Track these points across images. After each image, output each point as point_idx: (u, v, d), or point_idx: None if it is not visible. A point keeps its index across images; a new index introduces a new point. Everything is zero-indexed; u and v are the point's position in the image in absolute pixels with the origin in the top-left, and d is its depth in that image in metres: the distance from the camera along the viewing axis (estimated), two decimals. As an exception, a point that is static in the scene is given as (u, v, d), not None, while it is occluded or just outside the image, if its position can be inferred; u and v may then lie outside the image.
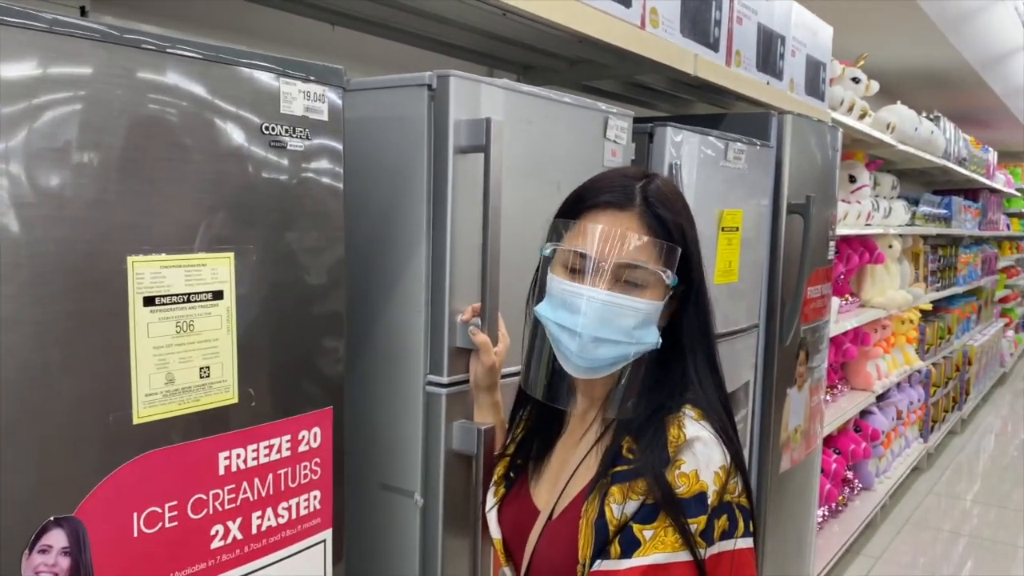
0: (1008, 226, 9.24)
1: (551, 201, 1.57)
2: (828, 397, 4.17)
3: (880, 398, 4.84)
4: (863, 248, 4.39)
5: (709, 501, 0.95)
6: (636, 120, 1.84)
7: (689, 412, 1.01)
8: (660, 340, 1.03)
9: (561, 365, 1.05)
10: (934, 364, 5.76)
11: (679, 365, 1.06)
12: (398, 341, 1.45)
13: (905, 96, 5.14)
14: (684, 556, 0.95)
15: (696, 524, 0.95)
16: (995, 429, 6.88)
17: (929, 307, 5.53)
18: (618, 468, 1.01)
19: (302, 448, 1.18)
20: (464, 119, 1.38)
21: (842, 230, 3.96)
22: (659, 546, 0.95)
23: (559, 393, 1.09)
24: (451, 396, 1.41)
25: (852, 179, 4.40)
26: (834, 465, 3.86)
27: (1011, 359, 8.81)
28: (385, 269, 1.46)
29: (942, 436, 5.93)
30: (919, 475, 5.34)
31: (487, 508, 1.22)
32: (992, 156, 7.86)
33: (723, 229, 2.15)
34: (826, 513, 4.01)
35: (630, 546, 0.96)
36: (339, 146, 1.20)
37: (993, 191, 8.03)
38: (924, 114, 5.45)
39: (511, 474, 1.21)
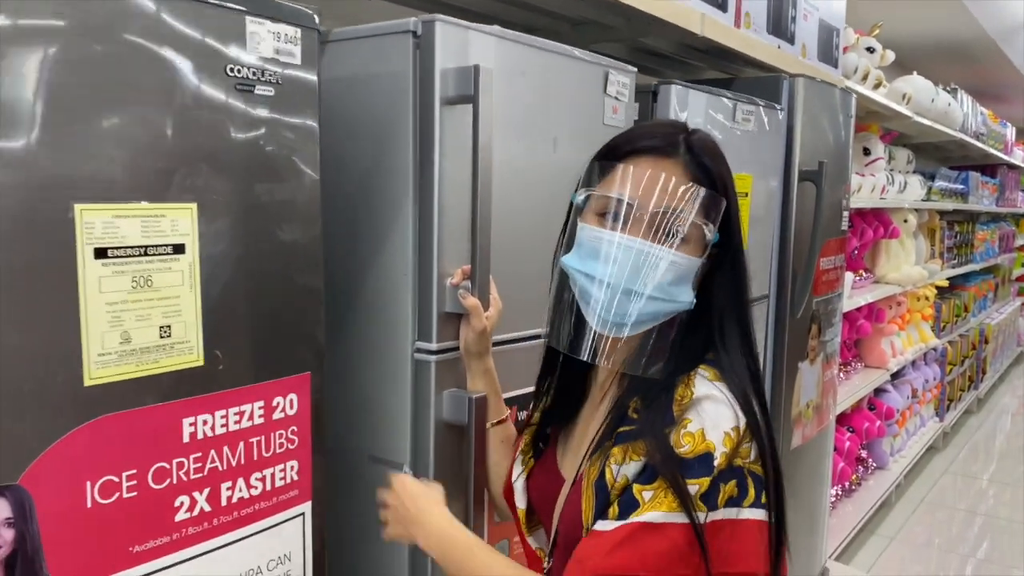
0: (1026, 203, 9.06)
1: (547, 159, 1.51)
2: (841, 374, 4.08)
3: (895, 376, 4.74)
4: (877, 222, 4.27)
5: (715, 463, 0.89)
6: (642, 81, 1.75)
7: (703, 372, 0.96)
8: (694, 300, 0.97)
9: (587, 321, 0.97)
10: (950, 342, 5.64)
11: (704, 328, 0.99)
12: (384, 306, 1.37)
13: (921, 68, 5.00)
14: (679, 518, 0.88)
15: (697, 485, 0.88)
16: (1011, 409, 6.76)
17: (945, 284, 5.42)
18: (622, 428, 0.96)
19: (277, 415, 1.10)
20: (452, 67, 1.29)
21: (856, 203, 3.85)
22: (656, 506, 0.88)
23: (582, 344, 1.01)
24: (440, 364, 1.33)
25: (866, 151, 4.28)
26: (847, 443, 3.77)
27: (1028, 338, 8.66)
28: (370, 230, 1.38)
29: (958, 415, 5.82)
30: (935, 454, 5.25)
31: (513, 478, 1.18)
32: (1011, 131, 7.69)
33: (731, 194, 2.05)
34: (839, 492, 3.92)
35: (628, 507, 0.90)
36: (314, 92, 1.12)
37: (1011, 167, 7.86)
38: (941, 86, 5.31)
39: (540, 444, 1.18)
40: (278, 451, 1.11)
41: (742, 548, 0.90)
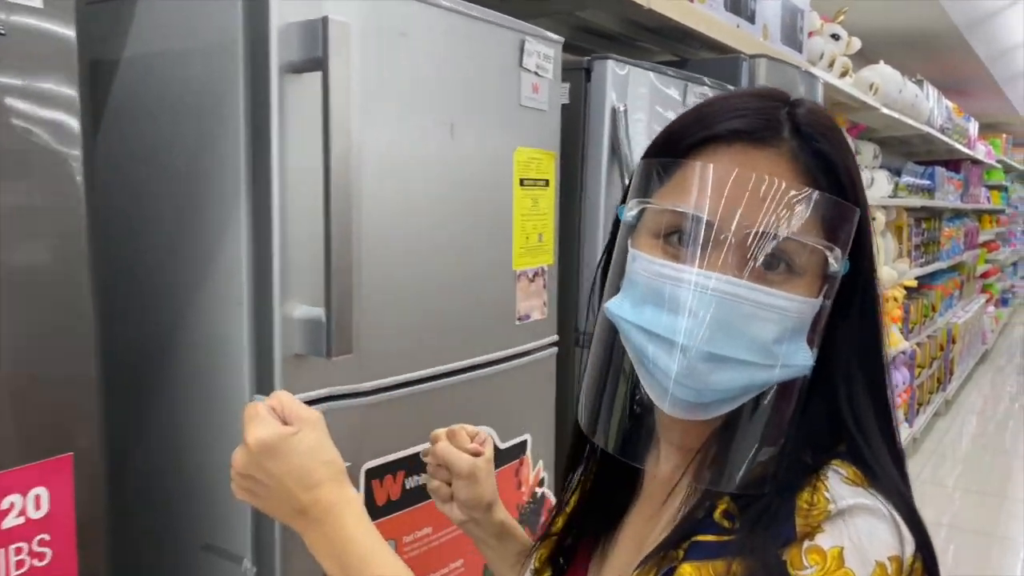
0: (988, 199, 8.94)
1: (441, 148, 1.13)
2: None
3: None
4: (845, 221, 4.00)
5: None
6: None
7: (839, 469, 0.63)
8: (812, 362, 0.65)
9: (648, 396, 0.66)
10: (918, 344, 5.41)
11: (823, 401, 0.66)
12: (213, 348, 1.02)
13: (886, 59, 4.76)
14: None
15: None
16: (977, 408, 6.58)
17: (914, 283, 5.18)
18: (700, 537, 0.63)
19: (9, 523, 0.75)
20: (294, 22, 0.95)
21: (822, 200, 3.58)
22: None
23: (639, 442, 0.70)
24: (288, 423, 0.99)
25: (832, 145, 4.01)
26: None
27: (992, 336, 8.53)
28: (194, 246, 1.03)
29: (927, 419, 5.60)
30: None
31: None
32: (973, 126, 7.52)
33: (683, 192, 1.74)
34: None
35: None
36: (70, 51, 0.77)
37: (975, 162, 7.69)
38: (908, 78, 5.08)
39: (561, 560, 0.82)
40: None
41: None
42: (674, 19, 1.98)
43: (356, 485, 1.07)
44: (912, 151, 6.78)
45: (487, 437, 0.92)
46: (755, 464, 0.64)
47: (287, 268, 0.97)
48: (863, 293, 0.67)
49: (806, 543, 0.60)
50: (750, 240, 0.62)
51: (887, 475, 0.64)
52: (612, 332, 0.68)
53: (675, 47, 2.49)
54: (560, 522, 0.82)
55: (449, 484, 0.90)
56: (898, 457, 0.68)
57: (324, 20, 0.92)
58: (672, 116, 1.64)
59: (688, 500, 0.68)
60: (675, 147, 0.67)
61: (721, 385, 0.62)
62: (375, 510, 1.09)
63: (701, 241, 0.62)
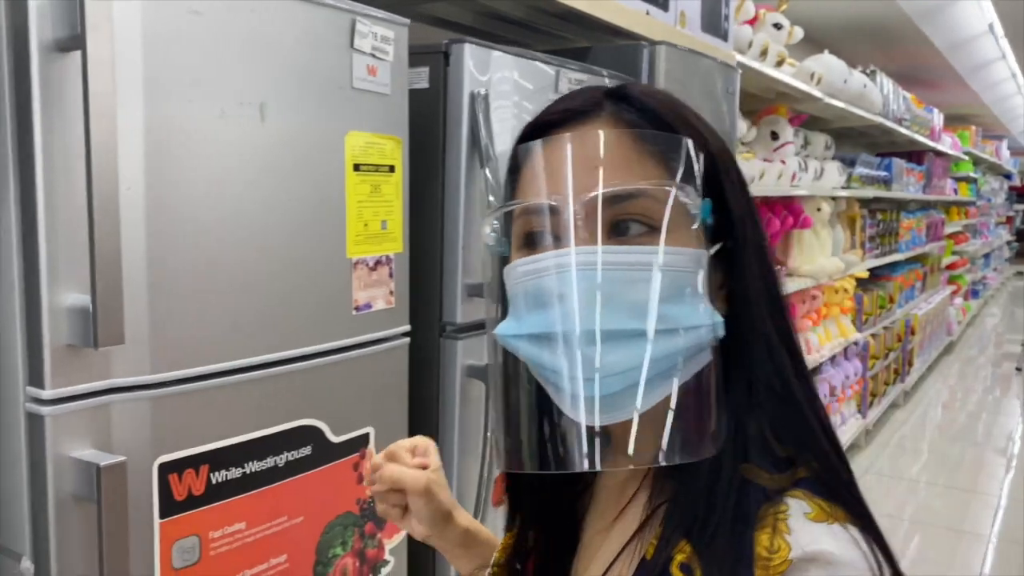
0: (956, 191, 8.95)
1: (248, 133, 1.09)
2: (749, 376, 3.79)
3: (811, 374, 4.47)
4: (787, 212, 3.99)
5: None
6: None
7: (799, 502, 0.57)
8: (720, 321, 0.59)
9: (562, 409, 0.58)
10: (873, 335, 5.41)
11: (743, 372, 0.61)
12: (-13, 338, 0.99)
13: (837, 50, 4.74)
14: None
15: None
16: (943, 399, 6.59)
17: (865, 275, 5.17)
18: None
19: None
20: (53, -2, 0.91)
21: (759, 191, 3.56)
22: None
23: (572, 456, 0.58)
24: (60, 418, 0.95)
25: (775, 136, 4.00)
26: (751, 452, 3.46)
27: (959, 327, 8.56)
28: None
29: (882, 411, 5.60)
30: (856, 453, 5.01)
31: None
32: (938, 117, 7.52)
33: (558, 180, 1.71)
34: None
35: None
36: None
37: (939, 154, 7.70)
38: (860, 68, 5.06)
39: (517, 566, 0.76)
40: None
41: None
42: (566, 3, 1.95)
43: (147, 479, 1.03)
44: (874, 142, 6.78)
45: (427, 445, 0.85)
46: (697, 433, 0.58)
47: (55, 255, 0.94)
48: (749, 242, 0.62)
49: None
50: (590, 206, 0.57)
51: (847, 490, 0.59)
52: (510, 362, 0.62)
53: (587, 34, 2.46)
54: (501, 557, 0.78)
55: (405, 507, 0.82)
56: (829, 432, 0.62)
57: (80, -7, 0.88)
58: (543, 102, 1.61)
59: (642, 524, 0.63)
60: (516, 152, 0.64)
61: (621, 366, 0.55)
62: (172, 505, 1.06)
63: (546, 226, 0.59)
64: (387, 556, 1.40)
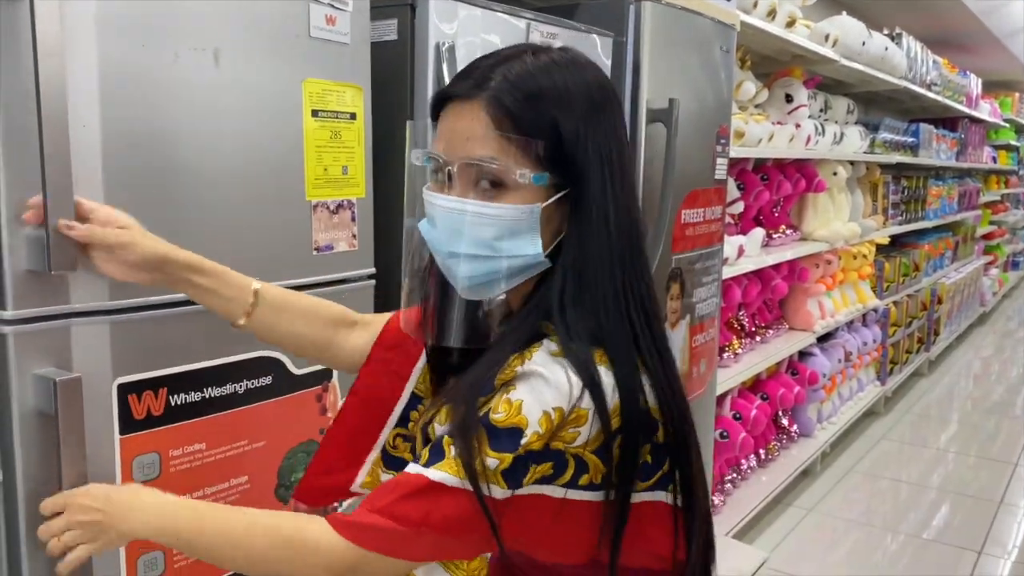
0: (995, 159, 8.74)
1: (202, 77, 1.16)
2: (759, 338, 3.81)
3: (825, 339, 4.46)
4: (799, 175, 3.97)
5: (523, 440, 0.83)
6: None
7: (551, 344, 0.88)
8: (541, 252, 0.90)
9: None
10: (895, 302, 5.36)
11: (545, 287, 0.91)
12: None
13: (863, 13, 4.66)
14: (469, 486, 0.83)
15: (498, 460, 0.83)
16: (975, 370, 6.50)
17: (886, 241, 5.12)
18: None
19: None
20: (2, -54, 0.98)
21: (768, 153, 3.56)
22: (450, 468, 0.84)
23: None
24: (21, 336, 1.04)
25: (789, 98, 3.97)
26: (754, 412, 3.49)
27: (993, 298, 8.40)
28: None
29: (903, 378, 5.56)
30: (874, 420, 4.99)
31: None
32: (975, 83, 7.34)
33: (528, 131, 1.75)
34: (754, 463, 3.67)
35: (434, 457, 0.86)
36: None
37: (974, 121, 7.52)
38: (885, 31, 4.98)
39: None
40: None
41: (566, 528, 0.87)
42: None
43: (108, 399, 1.12)
44: (905, 108, 6.66)
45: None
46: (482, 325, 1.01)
47: (13, 187, 1.02)
48: (583, 200, 0.88)
49: (504, 395, 0.85)
50: (461, 168, 0.88)
51: (577, 349, 0.86)
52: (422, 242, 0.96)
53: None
54: None
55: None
56: (639, 327, 0.89)
57: (23, -59, 0.95)
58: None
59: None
60: (433, 106, 0.94)
61: (467, 273, 0.90)
62: (132, 423, 1.14)
63: (440, 174, 0.91)
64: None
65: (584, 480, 0.85)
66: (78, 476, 1.05)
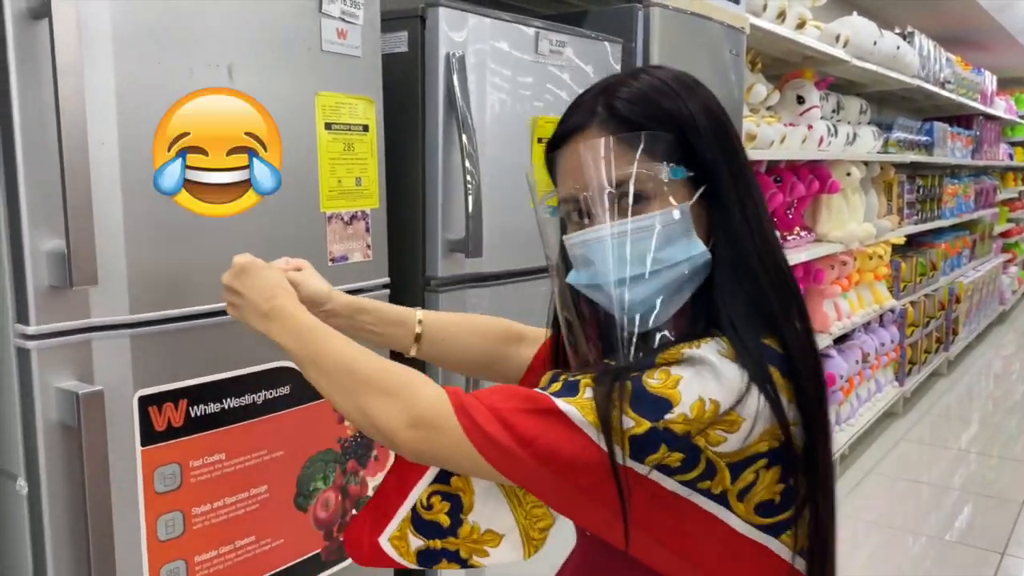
0: (1011, 156, 8.67)
1: (217, 89, 1.19)
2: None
3: (841, 340, 4.44)
4: (812, 176, 3.95)
5: (668, 416, 0.76)
6: None
7: (719, 341, 0.81)
8: (705, 249, 0.85)
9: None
10: (912, 303, 5.33)
11: (706, 292, 0.86)
12: (-20, 281, 1.10)
13: (874, 13, 4.65)
14: (596, 438, 0.77)
15: (633, 422, 0.77)
16: (995, 369, 6.44)
17: (901, 240, 5.09)
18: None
19: None
20: (20, -31, 1.00)
21: (781, 155, 3.56)
22: (583, 408, 0.78)
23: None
24: (45, 351, 1.06)
25: (800, 100, 3.97)
26: (771, 415, 3.48)
27: (1013, 296, 8.32)
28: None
29: (922, 379, 5.52)
30: (893, 420, 4.96)
31: None
32: (990, 80, 7.30)
33: (540, 140, 1.76)
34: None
35: (567, 390, 0.81)
36: None
37: (989, 118, 7.47)
38: (897, 30, 4.96)
39: None
40: None
41: (691, 528, 0.80)
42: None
43: (128, 411, 1.14)
44: (918, 107, 6.63)
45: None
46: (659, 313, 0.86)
47: (35, 205, 1.04)
48: (720, 188, 0.85)
49: (661, 366, 0.79)
50: (599, 195, 0.84)
51: (752, 354, 0.80)
52: (576, 294, 0.92)
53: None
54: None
55: None
56: (786, 333, 0.83)
57: (44, -33, 0.97)
58: (524, 65, 1.67)
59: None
60: (548, 150, 0.91)
61: (640, 296, 0.83)
62: (153, 434, 1.16)
63: (574, 210, 0.88)
64: (370, 492, 1.49)
65: (704, 485, 0.79)
66: (101, 487, 1.07)
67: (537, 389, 0.83)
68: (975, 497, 3.88)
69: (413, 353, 1.12)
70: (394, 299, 1.54)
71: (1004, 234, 8.70)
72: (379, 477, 1.51)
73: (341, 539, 1.42)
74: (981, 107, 6.86)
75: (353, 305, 1.10)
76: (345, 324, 1.08)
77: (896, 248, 5.10)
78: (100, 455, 1.06)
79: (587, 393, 0.79)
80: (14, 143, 1.02)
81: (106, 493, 1.08)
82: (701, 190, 0.85)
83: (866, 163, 4.60)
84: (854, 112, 4.66)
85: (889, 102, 6.07)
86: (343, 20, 1.36)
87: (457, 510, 0.89)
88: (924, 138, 5.67)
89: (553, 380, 0.84)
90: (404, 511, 0.90)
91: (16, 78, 1.01)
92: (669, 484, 0.78)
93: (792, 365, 0.81)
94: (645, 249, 0.82)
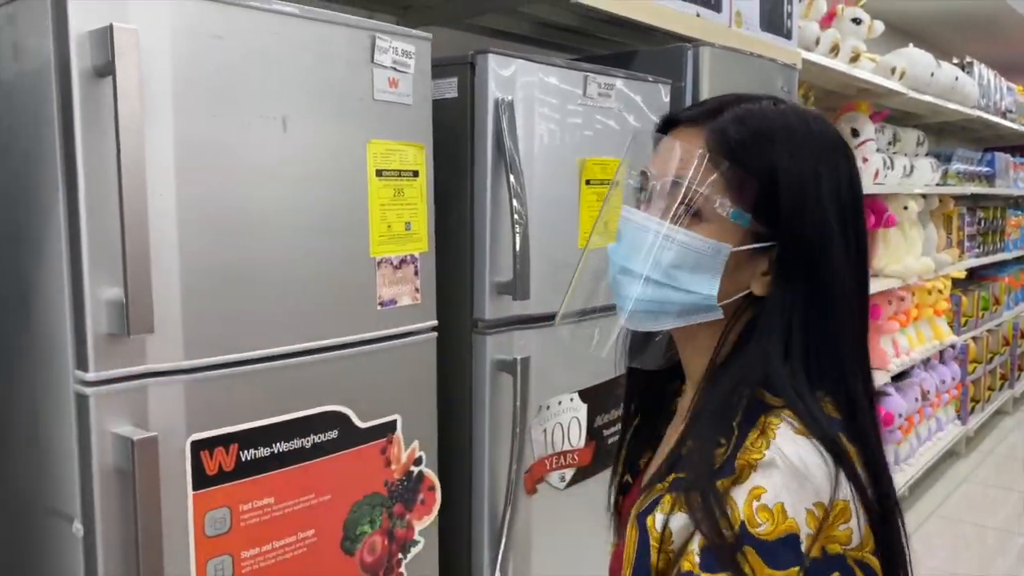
0: (1077, 186, 8.39)
1: (271, 142, 1.21)
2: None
3: (900, 377, 4.32)
4: (868, 210, 3.87)
5: (803, 547, 0.71)
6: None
7: (790, 419, 0.76)
8: (714, 294, 0.81)
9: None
10: (974, 338, 5.17)
11: (759, 346, 0.81)
12: (44, 330, 1.14)
13: (932, 43, 4.58)
14: None
15: None
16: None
17: (962, 275, 4.95)
18: (678, 474, 0.80)
19: None
20: (91, 30, 1.05)
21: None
22: None
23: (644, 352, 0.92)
24: (103, 397, 1.09)
25: (855, 133, 3.91)
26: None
27: (1082, 331, 8.00)
28: (28, 238, 1.15)
29: (986, 417, 5.34)
30: (955, 461, 4.80)
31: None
32: (1053, 108, 7.09)
33: (588, 182, 1.76)
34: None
35: (708, 561, 0.73)
36: None
37: (1055, 146, 7.25)
38: (955, 60, 4.87)
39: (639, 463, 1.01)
40: None
41: None
42: (604, 9, 2.01)
43: (181, 455, 1.16)
44: (978, 137, 6.47)
45: None
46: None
47: (96, 255, 1.07)
48: (802, 259, 0.80)
49: (754, 503, 0.72)
50: (661, 187, 0.82)
51: (821, 424, 0.75)
52: None
53: (641, 37, 2.50)
54: (629, 433, 1.00)
55: None
56: (852, 397, 0.80)
57: (110, 27, 1.01)
58: (572, 107, 1.68)
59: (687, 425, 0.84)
60: (660, 129, 0.88)
61: (628, 294, 0.82)
62: (204, 479, 1.18)
63: (639, 190, 0.86)
64: (416, 536, 1.49)
65: None
66: (153, 531, 1.09)
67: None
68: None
69: None
70: (441, 342, 1.55)
71: (1072, 266, 8.40)
72: (426, 521, 1.51)
73: (387, 583, 1.42)
74: (1045, 136, 6.67)
75: None
76: None
77: (957, 282, 4.97)
78: (153, 499, 1.08)
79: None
80: (78, 195, 1.06)
81: (158, 536, 1.09)
82: (756, 245, 0.81)
83: (924, 196, 4.50)
84: (911, 144, 4.57)
85: (949, 132, 5.94)
86: (395, 69, 1.39)
87: None
88: (985, 169, 5.53)
89: (645, 549, 0.78)
90: None
91: (81, 133, 1.05)
92: None
93: (856, 431, 0.78)
94: (663, 258, 0.81)
